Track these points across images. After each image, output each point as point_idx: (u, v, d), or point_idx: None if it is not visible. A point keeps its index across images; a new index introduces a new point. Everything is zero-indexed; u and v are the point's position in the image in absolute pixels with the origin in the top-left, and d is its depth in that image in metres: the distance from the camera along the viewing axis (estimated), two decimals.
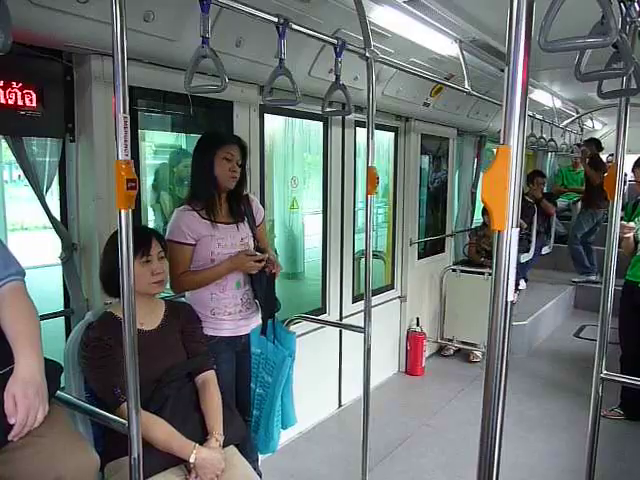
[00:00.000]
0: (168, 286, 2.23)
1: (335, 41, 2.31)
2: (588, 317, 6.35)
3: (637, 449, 3.54)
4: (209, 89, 1.84)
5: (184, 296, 2.48)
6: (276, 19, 1.97)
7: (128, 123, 1.42)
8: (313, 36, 2.21)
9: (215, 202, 2.33)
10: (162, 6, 2.10)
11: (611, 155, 8.15)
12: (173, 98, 2.59)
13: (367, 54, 2.50)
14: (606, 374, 1.99)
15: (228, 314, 2.40)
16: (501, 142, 0.88)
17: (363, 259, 4.84)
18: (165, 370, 1.98)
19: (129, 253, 1.45)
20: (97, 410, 1.73)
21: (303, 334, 3.19)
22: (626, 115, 1.90)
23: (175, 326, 2.11)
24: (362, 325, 2.67)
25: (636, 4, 1.68)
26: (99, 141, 2.19)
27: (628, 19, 1.69)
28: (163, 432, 1.85)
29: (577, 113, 6.72)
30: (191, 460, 1.85)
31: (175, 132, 3.36)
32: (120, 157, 1.41)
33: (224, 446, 2.00)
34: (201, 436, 1.96)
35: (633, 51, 1.71)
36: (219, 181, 2.31)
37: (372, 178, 2.56)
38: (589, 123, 7.71)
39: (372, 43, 2.53)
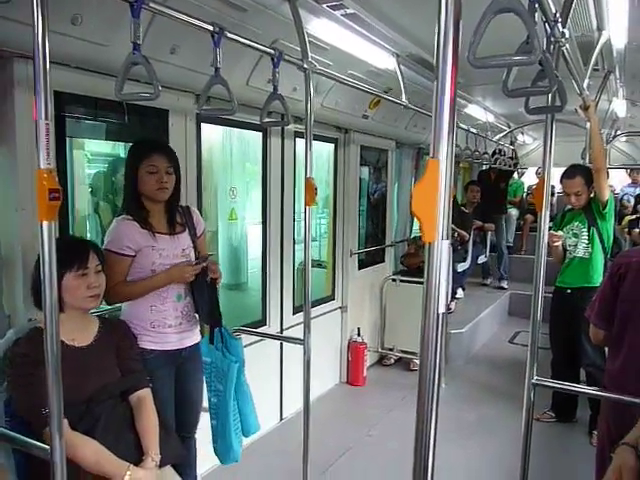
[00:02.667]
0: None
1: (272, 51, 2.30)
2: (522, 323, 6.60)
3: (568, 449, 3.69)
4: (141, 97, 1.78)
5: (120, 309, 2.39)
6: (211, 27, 1.93)
7: (51, 130, 1.34)
8: (250, 46, 2.19)
9: (150, 214, 2.26)
10: (91, 9, 2.02)
11: (541, 168, 8.56)
12: (106, 105, 2.50)
13: (305, 65, 2.51)
14: (537, 379, 2.05)
15: (168, 327, 2.33)
16: (430, 155, 0.88)
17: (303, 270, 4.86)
18: (97, 389, 1.89)
19: (52, 267, 1.37)
20: (18, 436, 1.62)
21: (244, 346, 3.12)
22: (552, 130, 1.98)
23: (109, 343, 2.02)
24: (302, 337, 2.66)
25: (559, 25, 1.77)
26: (22, 149, 2.07)
27: (552, 39, 1.77)
28: (93, 452, 1.77)
29: (509, 127, 7.02)
30: None
31: (109, 140, 3.24)
32: (42, 165, 1.33)
33: (160, 466, 1.93)
34: (136, 456, 1.89)
35: (557, 69, 1.80)
36: (147, 195, 2.24)
37: (310, 189, 2.56)
38: (520, 137, 8.07)
39: (310, 55, 2.54)
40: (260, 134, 3.62)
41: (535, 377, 2.06)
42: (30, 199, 2.08)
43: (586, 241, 3.65)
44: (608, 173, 3.69)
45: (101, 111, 2.55)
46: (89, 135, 3.03)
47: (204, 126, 3.11)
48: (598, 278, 3.62)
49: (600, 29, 2.92)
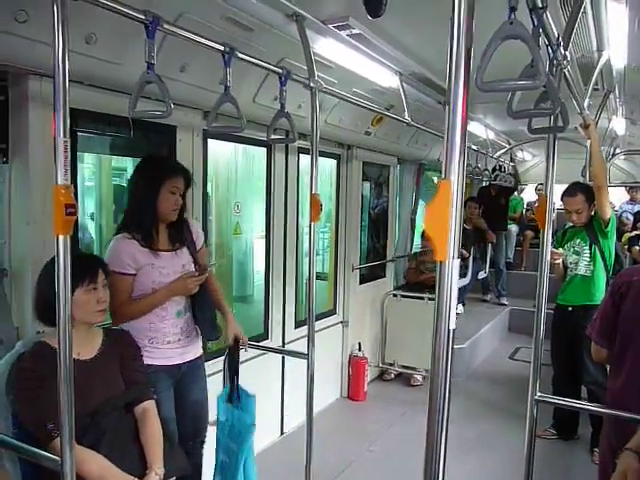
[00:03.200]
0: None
1: (280, 70, 2.35)
2: (522, 340, 6.61)
3: (570, 466, 3.69)
4: (154, 114, 1.82)
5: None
6: (222, 47, 1.98)
7: (69, 147, 1.38)
8: (259, 65, 2.24)
9: (155, 231, 2.28)
10: (105, 29, 2.07)
11: (541, 184, 8.64)
12: (113, 120, 2.53)
13: (311, 84, 2.56)
14: (540, 396, 2.07)
15: (167, 343, 2.34)
16: (442, 176, 0.92)
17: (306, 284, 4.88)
18: (102, 401, 1.90)
19: (66, 281, 1.40)
20: (26, 446, 1.63)
21: (245, 360, 3.12)
22: (554, 149, 2.03)
23: (113, 355, 2.04)
24: (305, 351, 2.67)
25: (562, 49, 1.82)
26: (35, 164, 2.11)
27: (555, 62, 1.82)
28: (99, 467, 1.77)
29: (509, 144, 7.09)
30: None
31: (115, 155, 3.29)
32: (59, 182, 1.36)
33: (164, 479, 1.93)
34: (141, 470, 1.89)
35: (559, 90, 1.85)
36: (161, 213, 2.26)
37: (316, 205, 2.59)
38: (520, 154, 8.15)
39: (316, 73, 2.59)
40: (264, 150, 3.67)
41: (538, 393, 2.08)
42: (41, 213, 2.12)
43: (588, 259, 3.68)
44: (608, 191, 3.73)
45: (108, 126, 2.59)
46: (95, 150, 3.08)
47: (211, 142, 3.15)
48: (600, 296, 3.64)
49: (600, 50, 2.98)
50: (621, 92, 3.72)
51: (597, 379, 3.65)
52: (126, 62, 2.23)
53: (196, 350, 2.48)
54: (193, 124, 2.89)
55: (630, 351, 1.98)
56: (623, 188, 8.02)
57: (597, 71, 2.99)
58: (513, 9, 1.14)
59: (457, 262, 0.92)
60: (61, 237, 1.37)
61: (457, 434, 3.94)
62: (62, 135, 1.36)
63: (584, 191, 3.61)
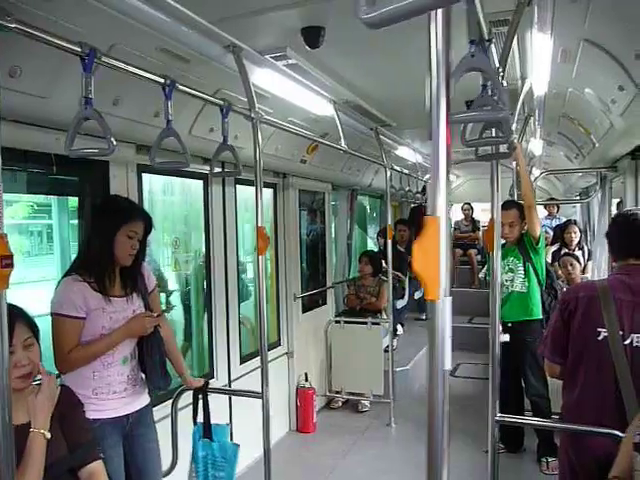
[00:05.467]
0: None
1: (222, 102, 2.29)
2: (461, 356, 6.75)
3: (520, 478, 3.76)
4: (92, 152, 1.70)
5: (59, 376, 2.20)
6: (162, 80, 1.90)
7: (1, 191, 1.25)
8: (200, 97, 2.17)
9: (108, 276, 2.15)
10: (30, 61, 1.92)
11: (467, 204, 8.99)
12: (33, 157, 2.36)
13: (252, 115, 2.51)
14: (500, 416, 2.08)
15: (113, 393, 2.19)
16: (429, 213, 0.89)
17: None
18: (44, 468, 1.70)
19: (3, 343, 1.25)
20: None
21: (187, 405, 2.92)
22: (497, 173, 2.08)
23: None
24: (255, 388, 2.61)
25: (500, 78, 1.88)
26: None
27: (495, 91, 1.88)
28: None
29: None
30: None
31: (34, 194, 3.07)
32: None
33: None
34: None
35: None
36: (116, 257, 2.15)
37: (262, 237, 2.53)
38: None
39: (256, 104, 2.55)
40: (201, 182, 3.56)
41: (498, 414, 2.09)
42: None
43: (522, 275, 3.82)
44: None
45: (25, 163, 2.40)
46: (11, 189, 2.83)
47: (145, 176, 3.02)
48: (537, 311, 3.79)
49: (524, 77, 3.15)
50: (540, 116, 3.94)
51: (539, 391, 3.78)
52: (54, 96, 2.08)
53: (143, 398, 2.33)
54: (127, 159, 2.75)
55: (582, 366, 2.04)
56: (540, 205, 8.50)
57: (522, 97, 3.14)
58: (473, 42, 1.15)
59: (449, 300, 0.88)
60: None
61: (410, 458, 3.97)
62: None
63: (518, 207, 3.78)
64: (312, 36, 2.36)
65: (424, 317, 7.66)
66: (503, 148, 2.03)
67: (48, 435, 1.68)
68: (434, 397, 0.90)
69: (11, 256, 1.25)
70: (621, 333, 1.95)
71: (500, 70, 1.85)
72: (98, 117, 1.58)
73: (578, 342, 2.05)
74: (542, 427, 3.22)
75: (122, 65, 1.72)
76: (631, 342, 1.94)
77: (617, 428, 1.87)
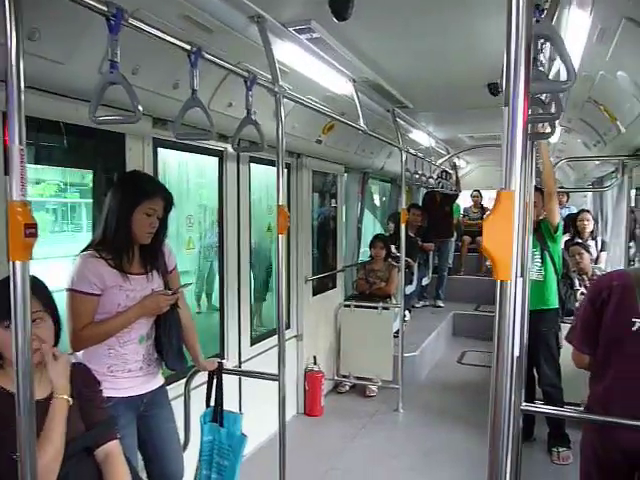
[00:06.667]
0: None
1: (246, 74, 2.19)
2: (467, 343, 6.74)
3: (530, 468, 3.70)
4: (118, 120, 1.62)
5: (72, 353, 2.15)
6: (189, 47, 1.81)
7: (25, 157, 1.18)
8: (226, 67, 2.07)
9: (127, 253, 2.09)
10: (49, 23, 1.83)
11: (476, 191, 8.89)
12: (46, 127, 2.27)
13: (276, 89, 2.42)
14: (526, 405, 2.02)
15: (128, 371, 2.14)
16: (502, 186, 0.81)
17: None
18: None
19: (26, 314, 1.19)
20: None
21: (198, 386, 2.87)
22: (533, 155, 2.00)
23: (70, 392, 1.79)
24: (268, 370, 2.60)
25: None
26: None
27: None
28: None
29: (447, 152, 7.23)
30: None
31: (42, 165, 2.99)
32: (15, 197, 1.16)
33: None
34: None
35: None
36: (134, 235, 2.08)
37: (283, 217, 2.45)
38: (456, 161, 8.34)
39: (279, 78, 2.46)
40: (216, 159, 3.48)
41: (524, 403, 2.02)
42: None
43: (539, 263, 3.74)
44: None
45: (37, 133, 2.33)
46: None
47: (161, 151, 2.93)
48: (554, 299, 3.72)
49: (552, 58, 3.04)
50: (564, 101, 3.83)
51: (552, 381, 3.73)
52: (72, 62, 2.00)
53: (158, 379, 2.29)
54: (143, 132, 2.67)
55: (614, 356, 1.98)
56: None
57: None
58: (538, 7, 1.06)
59: (521, 281, 0.81)
60: (18, 264, 1.17)
61: (418, 444, 3.94)
62: (17, 142, 1.17)
63: (540, 191, 3.66)
64: (340, 5, 2.25)
65: (427, 303, 7.61)
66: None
67: (71, 401, 1.63)
68: (501, 385, 0.83)
69: (35, 225, 1.18)
70: None
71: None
72: (124, 82, 1.50)
73: (611, 332, 1.98)
74: (570, 418, 3.17)
75: (149, 29, 1.63)
76: None
77: None
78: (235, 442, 2.39)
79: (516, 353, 0.82)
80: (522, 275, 0.80)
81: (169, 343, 2.18)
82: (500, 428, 0.84)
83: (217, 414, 2.45)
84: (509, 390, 0.83)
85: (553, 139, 5.70)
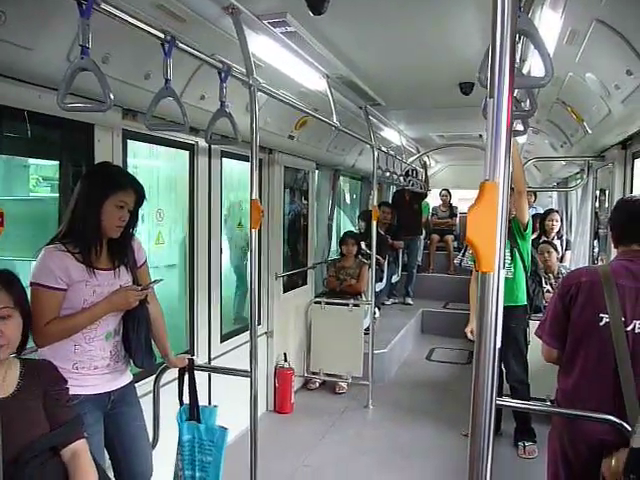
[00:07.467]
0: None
1: (220, 65, 2.16)
2: (435, 340, 6.83)
3: (498, 462, 3.76)
4: (88, 107, 1.56)
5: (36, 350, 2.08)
6: (162, 35, 1.76)
7: None
8: (201, 58, 2.03)
9: (95, 247, 2.02)
10: (15, 6, 1.76)
11: (445, 190, 8.99)
12: (4, 114, 2.18)
13: (250, 82, 2.39)
14: (501, 400, 2.04)
15: (94, 368, 2.08)
16: (485, 178, 0.81)
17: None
18: (24, 446, 1.60)
19: None
20: None
21: (167, 383, 2.82)
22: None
23: (34, 390, 1.72)
24: (239, 366, 2.60)
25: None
26: None
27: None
28: None
29: (417, 151, 7.30)
30: None
31: (13, 155, 2.88)
32: None
33: None
34: None
35: None
36: (103, 228, 2.01)
37: (256, 211, 2.43)
38: (425, 160, 8.43)
39: (254, 70, 2.43)
40: (187, 153, 3.42)
41: (498, 399, 2.05)
42: None
43: (509, 261, 3.81)
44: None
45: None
46: None
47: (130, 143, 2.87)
48: (522, 296, 3.79)
49: (523, 59, 3.09)
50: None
51: (520, 377, 3.80)
52: (39, 48, 1.93)
53: (125, 376, 2.23)
54: (113, 123, 2.60)
55: (582, 351, 2.02)
56: None
57: None
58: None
59: (503, 273, 0.82)
60: None
61: (388, 441, 3.97)
62: None
63: (510, 189, 3.72)
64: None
65: (396, 300, 7.66)
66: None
67: None
68: (482, 377, 0.83)
69: (1, 214, 1.13)
70: (623, 319, 1.93)
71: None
72: (95, 68, 1.45)
73: (578, 327, 2.02)
74: (541, 412, 3.24)
75: (122, 15, 1.58)
76: (633, 329, 1.93)
77: (614, 415, 1.86)
78: (217, 436, 2.36)
79: (498, 345, 0.82)
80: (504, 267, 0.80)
81: (137, 339, 2.12)
82: (482, 418, 0.84)
83: (194, 411, 2.41)
84: (491, 380, 0.83)
85: (521, 139, 5.81)
